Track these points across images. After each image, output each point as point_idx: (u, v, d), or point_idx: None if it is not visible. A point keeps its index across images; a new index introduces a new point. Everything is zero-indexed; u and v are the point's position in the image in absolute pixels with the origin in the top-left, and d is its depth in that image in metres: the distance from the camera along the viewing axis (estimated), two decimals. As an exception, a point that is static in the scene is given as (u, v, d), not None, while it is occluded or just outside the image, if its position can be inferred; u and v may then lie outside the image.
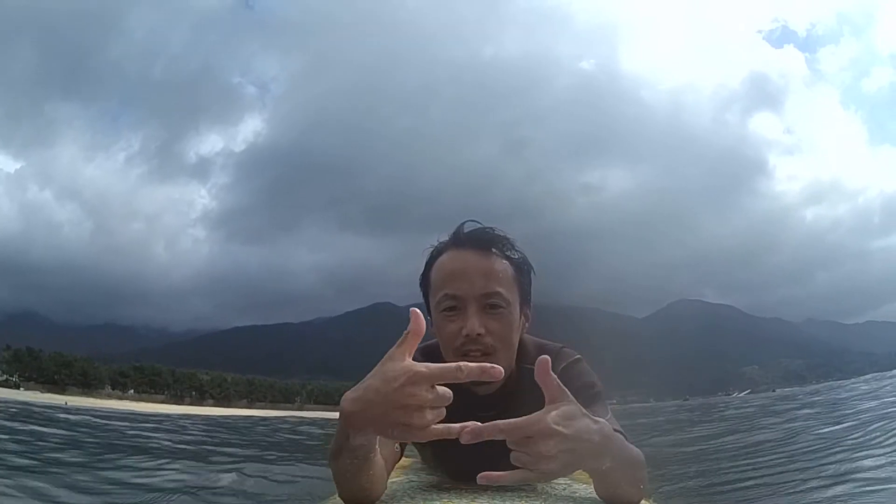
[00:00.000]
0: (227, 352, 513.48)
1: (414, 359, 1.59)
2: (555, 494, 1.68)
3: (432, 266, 1.72)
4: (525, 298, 1.72)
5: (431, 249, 1.77)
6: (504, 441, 1.62)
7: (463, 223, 1.72)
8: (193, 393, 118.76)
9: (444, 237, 1.74)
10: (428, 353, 1.75)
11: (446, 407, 1.58)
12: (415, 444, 1.92)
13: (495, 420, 1.60)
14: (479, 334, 1.61)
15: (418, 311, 1.17)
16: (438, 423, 1.42)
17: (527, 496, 1.62)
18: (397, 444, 1.61)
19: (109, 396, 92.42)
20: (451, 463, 1.93)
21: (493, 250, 1.67)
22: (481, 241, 1.67)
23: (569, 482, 2.01)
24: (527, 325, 1.77)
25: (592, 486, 1.80)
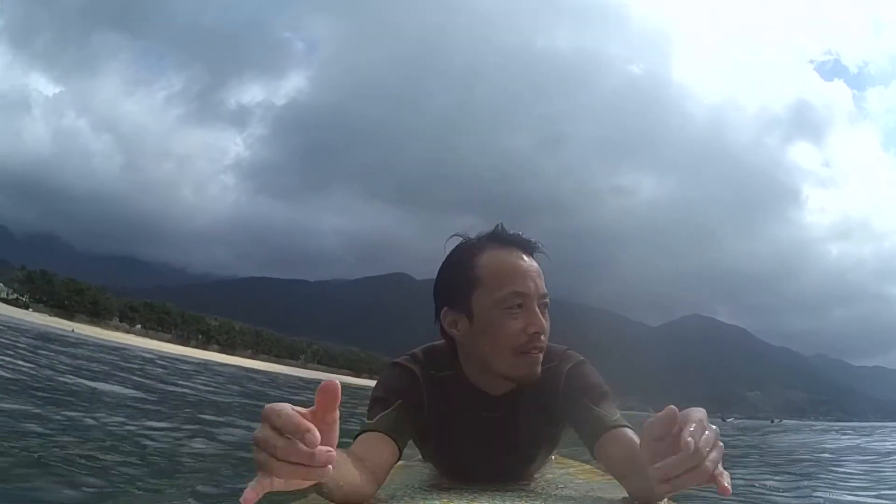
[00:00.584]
0: (239, 300, 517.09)
1: (416, 360, 1.78)
2: (555, 494, 1.68)
3: (476, 261, 1.69)
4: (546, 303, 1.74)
5: (461, 243, 1.76)
6: (507, 441, 1.77)
7: (499, 224, 1.75)
8: (200, 336, 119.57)
9: (465, 234, 1.76)
10: (431, 353, 1.81)
11: (453, 406, 1.75)
12: (414, 441, 1.92)
13: (503, 420, 1.77)
14: (542, 333, 1.65)
15: (333, 384, 0.96)
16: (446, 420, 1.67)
17: (527, 496, 1.62)
18: (395, 445, 1.62)
19: (116, 328, 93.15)
20: (453, 461, 1.96)
21: (535, 254, 1.71)
22: (528, 243, 1.70)
23: (568, 478, 2.07)
24: None
25: (593, 483, 1.90)
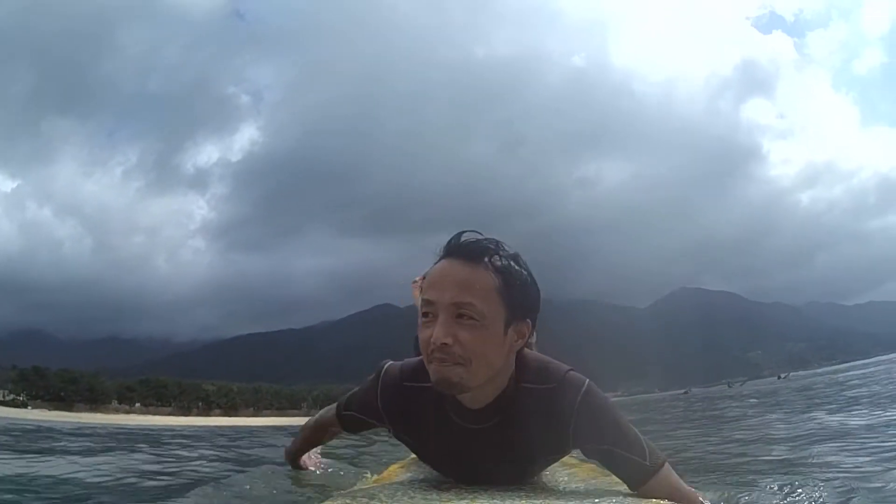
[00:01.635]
0: (230, 361, 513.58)
1: (397, 370, 1.89)
2: (556, 492, 1.66)
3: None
4: (516, 314, 1.68)
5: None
6: (494, 453, 1.77)
7: (461, 232, 1.71)
8: (200, 403, 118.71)
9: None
10: (415, 364, 1.86)
11: (437, 418, 1.79)
12: (407, 445, 2.00)
13: (488, 433, 1.76)
14: (444, 343, 1.60)
15: None
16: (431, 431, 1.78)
17: (527, 495, 1.60)
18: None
19: (117, 411, 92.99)
20: (439, 469, 1.99)
21: (482, 262, 1.65)
22: (469, 251, 1.66)
23: (569, 476, 2.05)
24: (520, 341, 1.73)
25: (594, 482, 1.90)
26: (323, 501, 1.76)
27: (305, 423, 2.37)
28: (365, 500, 1.63)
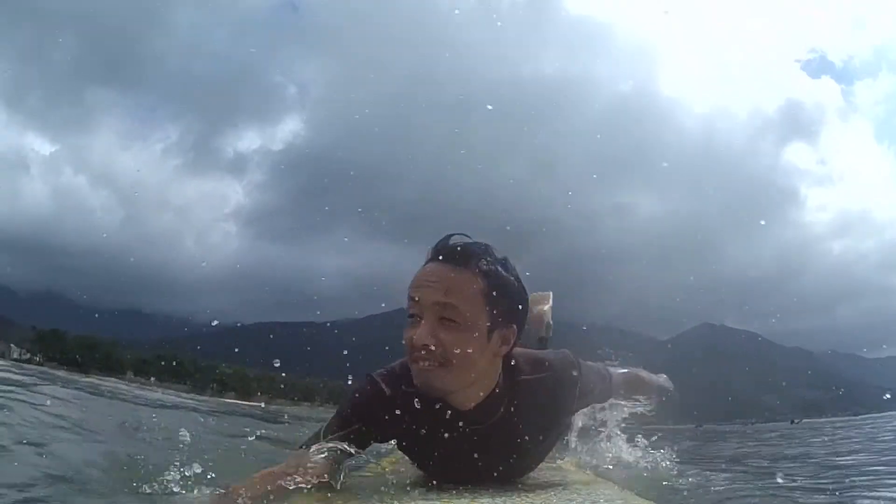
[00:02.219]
0: (247, 347, 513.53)
1: (389, 374, 1.85)
2: (554, 492, 1.70)
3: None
4: (500, 318, 1.68)
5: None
6: (491, 453, 1.78)
7: (449, 235, 1.73)
8: (214, 385, 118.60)
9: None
10: (407, 367, 1.78)
11: (432, 419, 1.74)
12: (408, 454, 1.98)
13: (483, 433, 1.76)
14: (425, 344, 1.61)
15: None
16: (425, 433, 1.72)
17: (527, 494, 1.62)
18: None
19: (131, 382, 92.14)
20: (435, 472, 1.96)
21: (468, 265, 1.65)
22: (455, 254, 1.66)
23: (567, 477, 2.11)
24: (504, 347, 1.74)
25: (591, 482, 1.98)
26: (322, 500, 1.78)
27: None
28: (365, 499, 1.60)
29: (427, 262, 1.71)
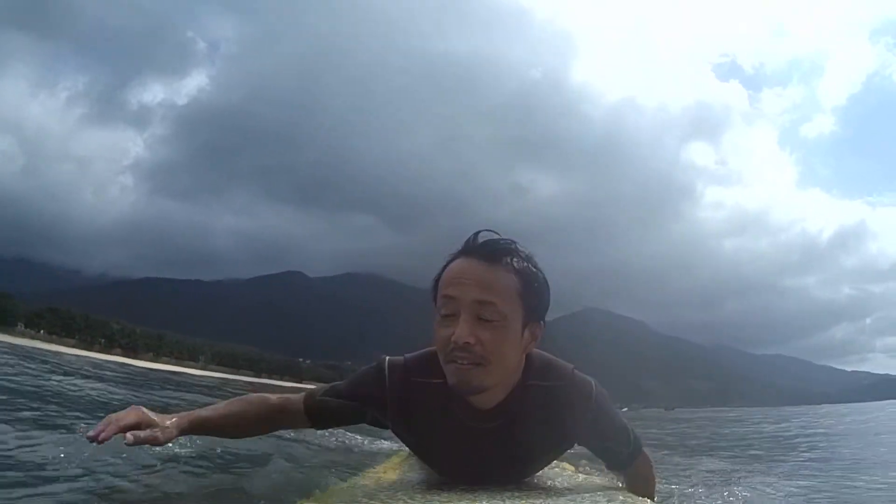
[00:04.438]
0: (136, 301, 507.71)
1: (402, 363, 1.84)
2: (555, 493, 1.71)
3: (442, 272, 1.68)
4: (532, 315, 1.68)
5: (448, 257, 1.72)
6: (498, 453, 1.81)
7: (478, 232, 1.69)
8: (102, 340, 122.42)
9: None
10: (422, 359, 1.81)
11: (444, 416, 1.77)
12: (406, 442, 1.97)
13: (494, 432, 1.77)
14: (466, 342, 1.58)
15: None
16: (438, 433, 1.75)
17: (527, 494, 1.63)
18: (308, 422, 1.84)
19: (23, 335, 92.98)
20: (440, 468, 1.95)
21: (501, 262, 1.63)
22: (489, 251, 1.64)
23: (567, 477, 2.16)
24: (533, 343, 1.73)
25: (592, 483, 2.01)
26: (322, 495, 1.74)
27: (241, 398, 1.90)
28: (365, 499, 1.60)
29: (454, 260, 1.67)
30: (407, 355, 1.86)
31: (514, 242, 1.68)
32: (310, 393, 1.90)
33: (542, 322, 1.73)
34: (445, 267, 1.68)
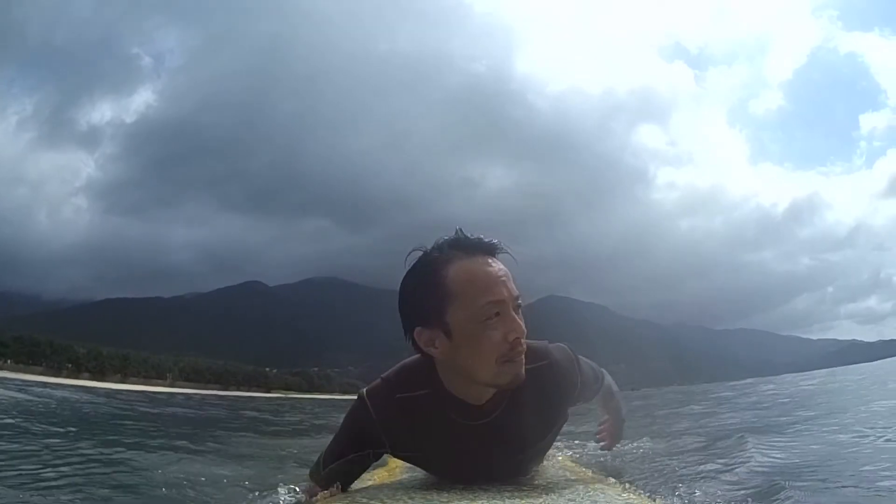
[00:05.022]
0: (98, 323, 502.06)
1: (384, 386, 1.82)
2: (554, 492, 1.69)
3: (445, 276, 1.63)
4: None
5: (424, 256, 1.70)
6: (497, 445, 1.82)
7: (459, 231, 1.69)
8: (69, 365, 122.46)
9: (423, 247, 1.71)
10: (404, 373, 1.83)
11: (439, 423, 1.77)
12: (410, 461, 1.98)
13: (495, 424, 1.78)
14: (521, 336, 1.63)
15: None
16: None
17: (527, 494, 1.62)
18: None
19: None
20: (442, 473, 1.92)
21: (498, 255, 1.68)
22: (491, 247, 1.67)
23: (566, 477, 2.16)
24: None
25: (590, 483, 1.98)
26: (322, 501, 1.77)
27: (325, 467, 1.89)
28: (365, 500, 1.60)
29: (462, 261, 1.64)
30: (382, 376, 1.86)
31: (487, 236, 1.71)
32: (313, 472, 1.90)
33: None
34: (440, 269, 1.65)
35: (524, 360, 1.65)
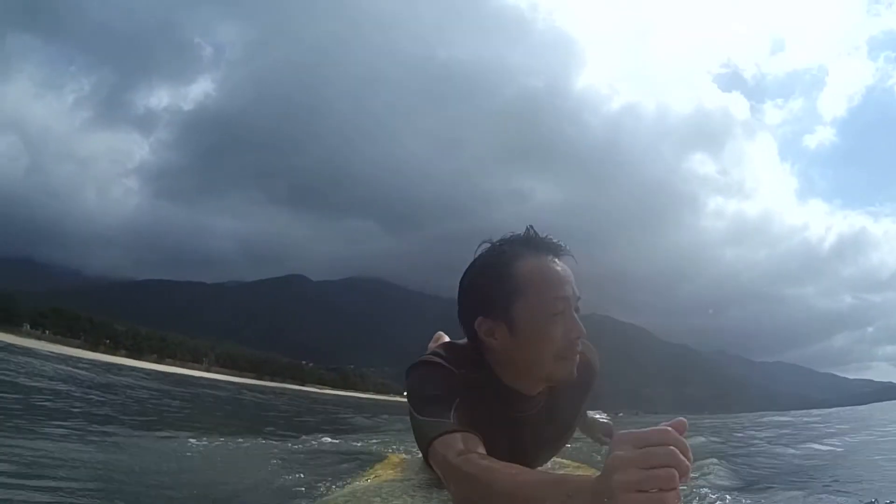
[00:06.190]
0: (137, 302, 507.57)
1: (447, 360, 1.76)
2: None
3: (514, 270, 1.68)
4: None
5: (492, 250, 1.74)
6: (540, 436, 1.89)
7: (529, 228, 1.73)
8: (107, 341, 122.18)
9: (490, 240, 1.75)
10: (455, 354, 1.78)
11: (486, 406, 1.73)
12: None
13: (536, 418, 1.84)
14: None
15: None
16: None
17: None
18: (478, 439, 1.56)
19: (29, 335, 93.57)
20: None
21: (562, 257, 1.73)
22: (559, 248, 1.72)
23: (571, 471, 2.20)
24: None
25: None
26: (322, 500, 1.76)
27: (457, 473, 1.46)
28: (365, 499, 1.61)
29: (533, 258, 1.69)
30: (435, 349, 1.83)
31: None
32: (448, 429, 1.56)
33: None
34: (512, 264, 1.68)
35: (577, 359, 1.70)
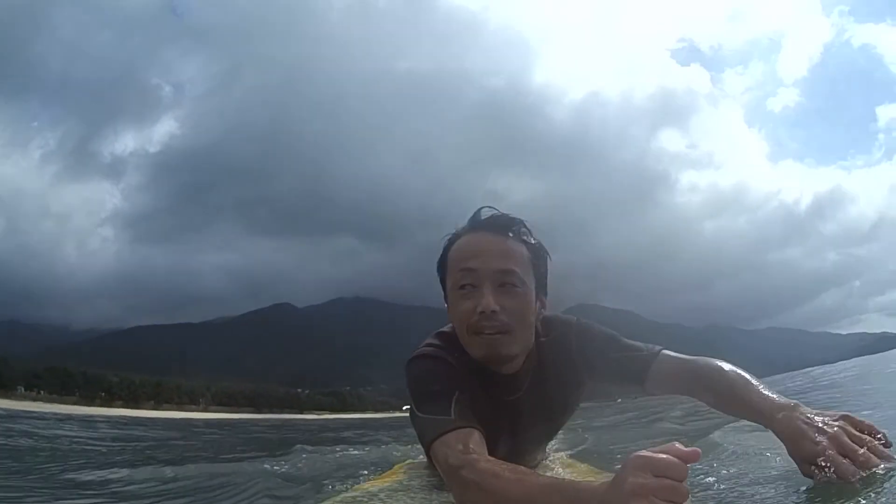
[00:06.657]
0: (127, 351, 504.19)
1: (431, 345, 1.77)
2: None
3: (450, 249, 1.73)
4: (541, 284, 1.74)
5: (449, 237, 1.77)
6: (527, 419, 1.85)
7: (480, 209, 1.74)
8: (103, 394, 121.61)
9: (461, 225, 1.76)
10: (445, 340, 1.78)
11: (471, 393, 1.66)
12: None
13: (522, 401, 1.80)
14: (493, 311, 1.59)
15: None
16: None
17: None
18: (480, 434, 1.52)
19: (24, 398, 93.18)
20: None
21: (510, 234, 1.68)
22: (499, 224, 1.69)
23: (570, 470, 2.17)
24: (542, 312, 1.79)
25: (595, 472, 2.01)
26: (322, 500, 1.77)
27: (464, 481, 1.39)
28: (365, 499, 1.61)
29: (462, 235, 1.72)
30: (430, 342, 1.81)
31: (517, 217, 1.73)
32: (450, 427, 1.52)
33: (545, 296, 1.79)
34: (450, 245, 1.74)
35: (518, 338, 1.65)
